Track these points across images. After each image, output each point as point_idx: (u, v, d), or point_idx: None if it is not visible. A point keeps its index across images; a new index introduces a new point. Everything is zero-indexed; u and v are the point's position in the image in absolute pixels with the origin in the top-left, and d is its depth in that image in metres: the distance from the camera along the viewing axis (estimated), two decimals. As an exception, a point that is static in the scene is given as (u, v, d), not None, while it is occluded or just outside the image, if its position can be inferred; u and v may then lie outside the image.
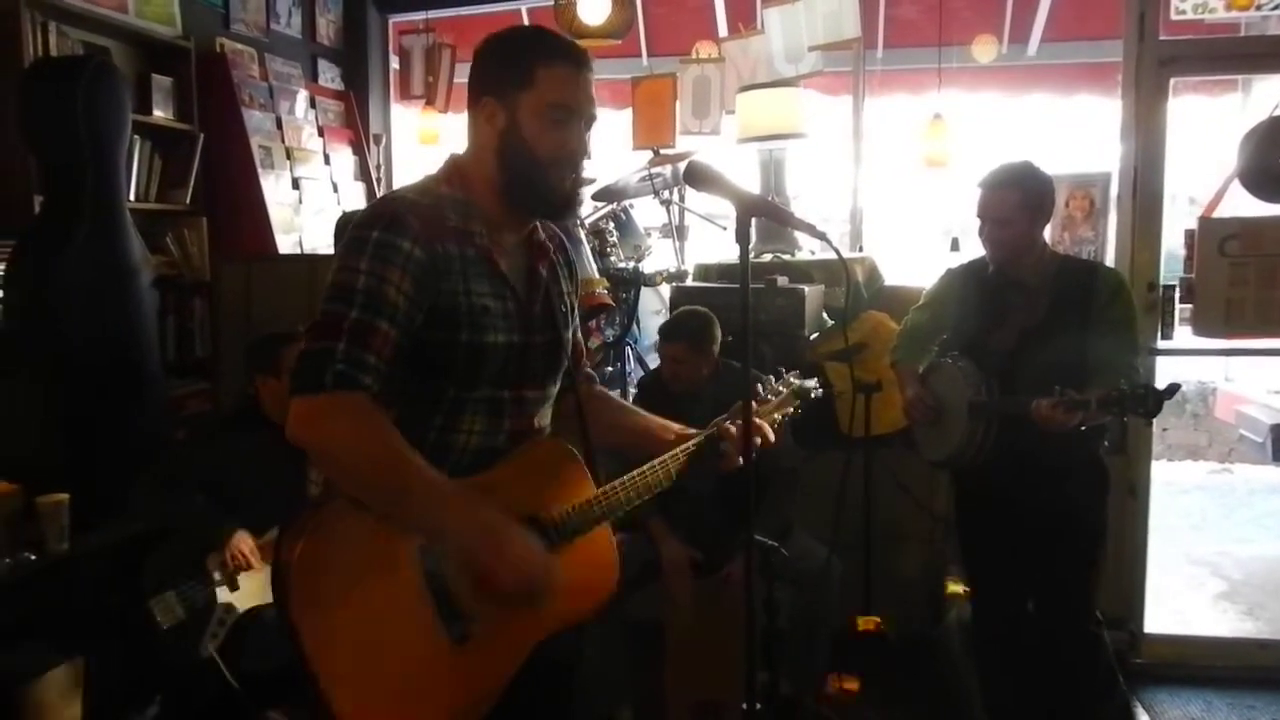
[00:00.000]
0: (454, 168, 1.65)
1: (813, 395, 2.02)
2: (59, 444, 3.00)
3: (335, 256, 1.55)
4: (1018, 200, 2.65)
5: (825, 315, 3.94)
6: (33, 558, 2.75)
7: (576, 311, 1.83)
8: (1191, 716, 3.36)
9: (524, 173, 1.58)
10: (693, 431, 1.86)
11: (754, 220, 4.35)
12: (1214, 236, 3.46)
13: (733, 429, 1.79)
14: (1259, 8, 3.62)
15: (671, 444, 1.83)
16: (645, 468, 1.76)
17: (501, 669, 1.57)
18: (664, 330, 3.17)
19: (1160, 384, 2.41)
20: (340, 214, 4.57)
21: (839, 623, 3.22)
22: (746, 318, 1.51)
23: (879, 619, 3.33)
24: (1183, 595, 4.49)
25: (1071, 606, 2.76)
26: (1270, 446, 5.48)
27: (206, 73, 4.14)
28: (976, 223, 2.76)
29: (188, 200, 3.98)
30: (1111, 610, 3.33)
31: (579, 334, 1.88)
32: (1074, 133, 6.05)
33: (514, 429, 1.66)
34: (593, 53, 1.62)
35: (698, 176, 1.53)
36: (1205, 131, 5.03)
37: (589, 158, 1.63)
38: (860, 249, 4.54)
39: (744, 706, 1.59)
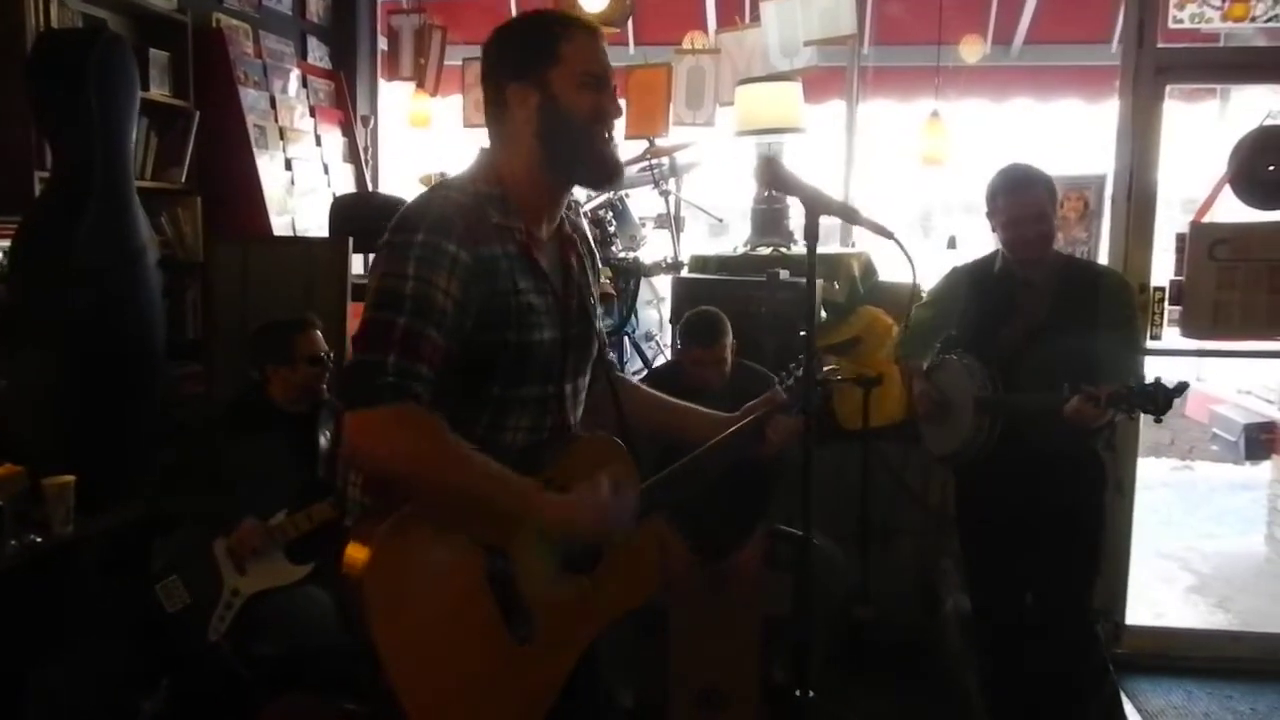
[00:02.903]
0: (487, 164, 1.63)
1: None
2: (65, 425, 2.95)
3: (377, 260, 1.53)
4: (1047, 198, 2.73)
5: (822, 311, 3.98)
6: (38, 540, 2.71)
7: (598, 302, 1.84)
8: (1174, 705, 3.47)
9: (568, 141, 1.58)
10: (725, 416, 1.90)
11: (751, 212, 4.28)
12: (1204, 241, 3.56)
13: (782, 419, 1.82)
14: (1254, 20, 3.72)
15: (710, 429, 1.85)
16: (687, 461, 1.78)
17: (562, 665, 1.61)
18: (692, 335, 3.05)
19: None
20: (332, 198, 4.52)
21: (837, 614, 3.27)
22: (813, 312, 1.54)
23: (875, 610, 3.39)
24: (1156, 588, 4.64)
25: (1072, 600, 2.83)
26: (1243, 445, 5.66)
27: (202, 49, 4.06)
28: (983, 224, 2.81)
29: (183, 179, 3.92)
30: (1096, 602, 3.41)
31: (600, 322, 1.89)
32: (1055, 135, 6.14)
33: (554, 424, 1.67)
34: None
35: (770, 174, 1.55)
36: (1183, 138, 5.13)
37: (620, 115, 1.64)
38: (852, 244, 4.59)
39: (797, 692, 1.62)
